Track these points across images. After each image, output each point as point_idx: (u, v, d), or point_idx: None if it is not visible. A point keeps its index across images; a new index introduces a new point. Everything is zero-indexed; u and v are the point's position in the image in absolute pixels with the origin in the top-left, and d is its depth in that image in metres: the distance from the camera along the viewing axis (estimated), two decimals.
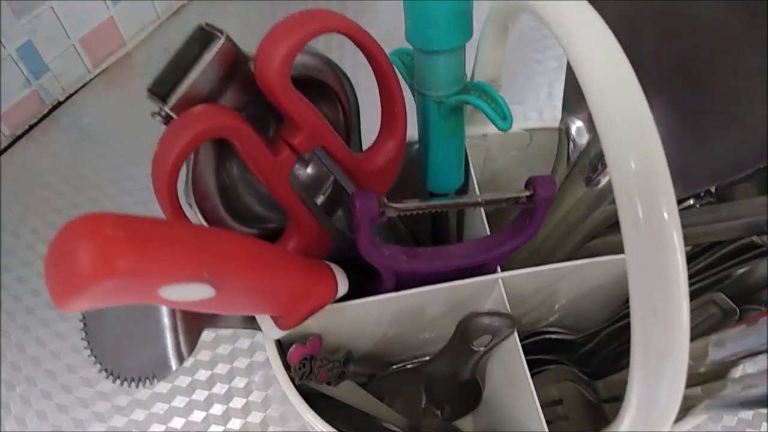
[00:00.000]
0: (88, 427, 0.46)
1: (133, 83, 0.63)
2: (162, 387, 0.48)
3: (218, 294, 0.20)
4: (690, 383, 0.30)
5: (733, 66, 0.26)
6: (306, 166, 0.31)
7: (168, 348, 0.25)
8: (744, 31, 0.26)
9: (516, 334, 0.31)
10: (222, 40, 0.23)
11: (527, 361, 0.31)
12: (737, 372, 0.31)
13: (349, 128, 0.31)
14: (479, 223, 0.34)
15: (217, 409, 0.47)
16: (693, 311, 0.30)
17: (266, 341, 0.30)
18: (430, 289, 0.32)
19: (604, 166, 0.35)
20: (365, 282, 0.32)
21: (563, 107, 0.37)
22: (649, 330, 0.19)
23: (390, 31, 0.63)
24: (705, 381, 0.31)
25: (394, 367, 0.41)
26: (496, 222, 0.36)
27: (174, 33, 0.65)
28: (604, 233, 0.37)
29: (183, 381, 0.48)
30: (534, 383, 0.30)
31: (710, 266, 0.34)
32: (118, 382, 0.26)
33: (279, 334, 0.29)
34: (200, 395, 0.47)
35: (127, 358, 0.26)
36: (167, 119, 0.24)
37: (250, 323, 0.30)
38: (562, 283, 0.35)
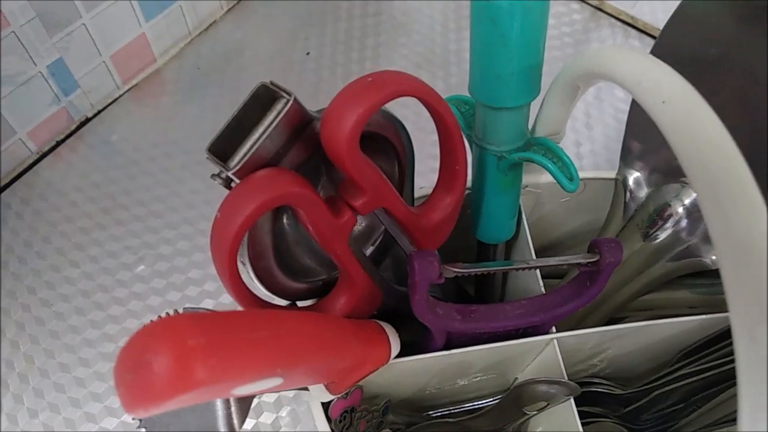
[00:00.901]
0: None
1: (163, 100, 0.62)
2: None
3: (285, 381, 0.19)
4: None
5: None
6: (360, 221, 0.30)
7: (218, 418, 0.24)
8: None
9: (572, 400, 0.30)
10: (290, 102, 0.22)
11: None
12: None
13: (404, 180, 0.30)
14: (533, 279, 0.33)
15: None
16: None
17: (312, 402, 0.29)
18: (481, 348, 0.30)
19: (664, 221, 0.34)
20: (412, 332, 0.31)
21: (621, 158, 0.35)
22: None
23: (422, 52, 0.62)
24: None
25: (432, 413, 0.40)
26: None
27: (205, 49, 0.64)
28: (659, 288, 0.36)
29: None
30: None
31: None
32: None
33: (328, 397, 0.28)
34: None
35: (174, 423, 0.25)
36: (228, 182, 0.23)
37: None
38: (615, 341, 0.34)
